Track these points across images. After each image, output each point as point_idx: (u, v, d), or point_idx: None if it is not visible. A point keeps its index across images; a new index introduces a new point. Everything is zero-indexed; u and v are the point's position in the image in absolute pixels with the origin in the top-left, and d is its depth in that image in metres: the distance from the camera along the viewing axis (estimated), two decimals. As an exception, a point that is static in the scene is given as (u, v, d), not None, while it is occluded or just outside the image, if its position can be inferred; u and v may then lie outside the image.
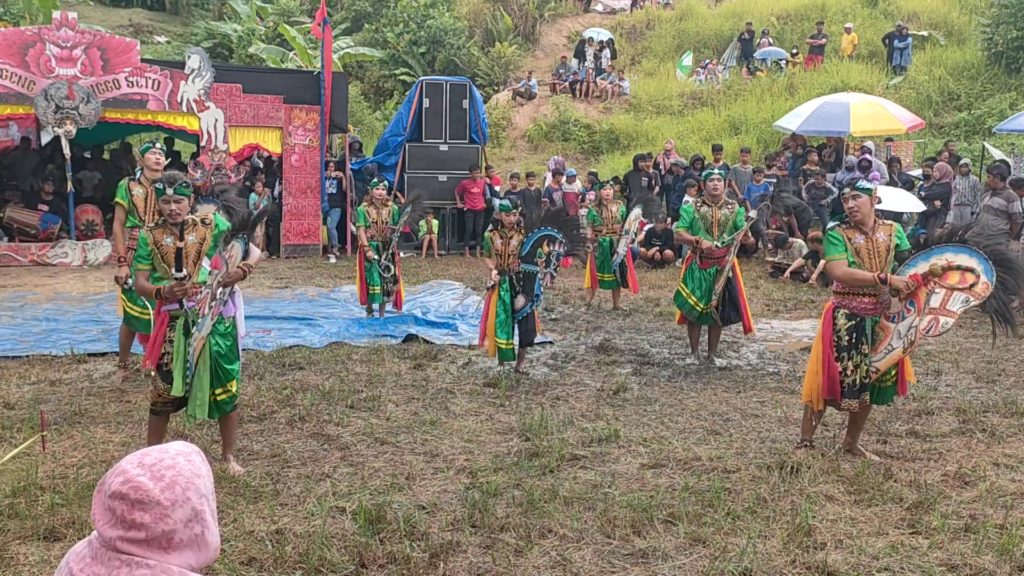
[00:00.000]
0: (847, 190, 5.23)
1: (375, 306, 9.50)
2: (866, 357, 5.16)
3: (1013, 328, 5.00)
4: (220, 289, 4.76)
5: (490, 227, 7.66)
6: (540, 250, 7.35)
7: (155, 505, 1.64)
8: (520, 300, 7.27)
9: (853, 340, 5.16)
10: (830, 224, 5.34)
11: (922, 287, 4.99)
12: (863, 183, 5.27)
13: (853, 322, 5.17)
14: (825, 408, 5.41)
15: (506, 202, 7.58)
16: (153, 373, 4.88)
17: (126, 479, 1.66)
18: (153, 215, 6.58)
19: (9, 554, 3.86)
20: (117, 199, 6.68)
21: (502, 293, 7.27)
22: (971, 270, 4.90)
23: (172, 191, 4.72)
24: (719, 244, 7.52)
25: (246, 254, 4.84)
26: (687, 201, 14.33)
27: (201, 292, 4.74)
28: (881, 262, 5.14)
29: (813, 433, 5.52)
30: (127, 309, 6.74)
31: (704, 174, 7.84)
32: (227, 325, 4.89)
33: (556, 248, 7.39)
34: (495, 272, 7.31)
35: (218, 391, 4.81)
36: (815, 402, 5.34)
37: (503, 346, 7.25)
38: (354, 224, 9.63)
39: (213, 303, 4.73)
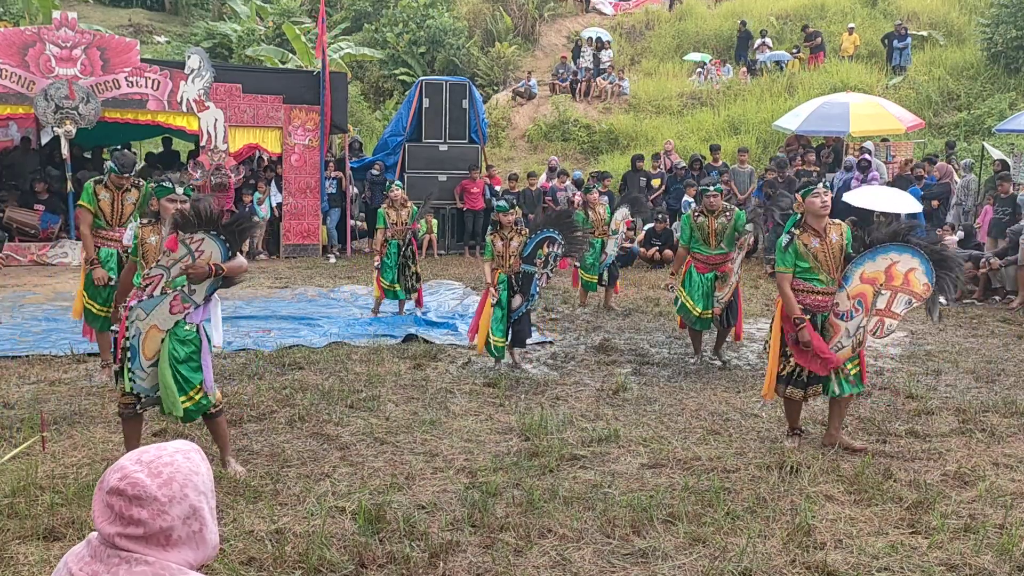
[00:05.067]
0: (820, 187, 5.43)
1: (386, 304, 9.66)
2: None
3: (938, 316, 5.46)
4: (187, 284, 4.63)
5: (490, 229, 7.71)
6: (540, 251, 7.41)
7: (152, 501, 1.65)
8: (517, 299, 7.35)
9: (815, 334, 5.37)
10: (786, 237, 5.40)
11: (872, 286, 5.24)
12: (825, 181, 5.53)
13: (808, 316, 5.37)
14: (807, 398, 5.53)
15: (503, 202, 7.65)
16: (116, 370, 4.85)
17: (123, 475, 1.67)
18: (121, 219, 6.55)
19: (9, 554, 3.86)
20: (82, 202, 6.53)
21: (500, 292, 7.32)
22: (913, 270, 5.19)
23: (182, 191, 4.83)
24: (713, 251, 7.53)
25: (228, 258, 4.67)
26: (686, 203, 14.36)
27: (155, 279, 4.64)
28: (836, 263, 5.37)
29: (798, 420, 5.64)
30: (88, 306, 6.69)
31: (701, 189, 7.83)
32: (189, 331, 4.71)
33: (554, 249, 7.45)
34: (493, 289, 7.37)
35: (181, 399, 4.66)
36: (769, 394, 5.60)
37: (496, 343, 7.30)
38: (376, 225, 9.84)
39: (173, 292, 4.61)
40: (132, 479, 1.66)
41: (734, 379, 7.31)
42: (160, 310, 4.63)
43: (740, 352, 8.34)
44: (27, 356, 7.41)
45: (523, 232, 7.42)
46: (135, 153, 16.58)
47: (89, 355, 7.49)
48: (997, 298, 11.40)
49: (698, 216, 7.69)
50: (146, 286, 4.64)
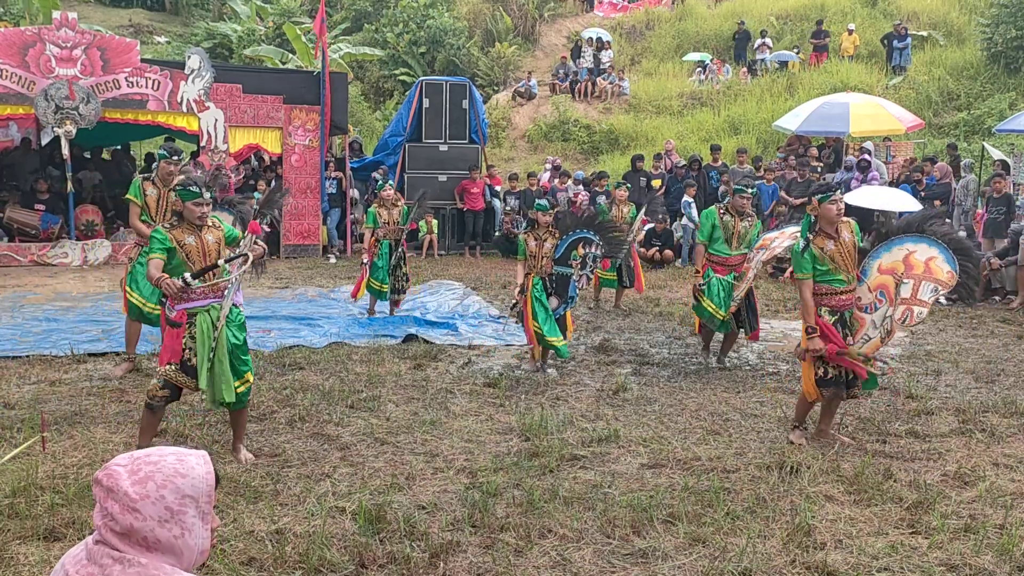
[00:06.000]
0: (837, 193, 5.42)
1: (382, 303, 9.61)
2: (852, 347, 5.41)
3: (974, 298, 5.65)
4: (245, 265, 4.97)
5: (524, 228, 7.69)
6: (575, 252, 7.30)
7: (122, 496, 1.65)
8: (553, 301, 7.26)
9: (840, 334, 5.40)
10: (802, 243, 5.41)
11: (893, 277, 5.30)
12: (839, 191, 5.51)
13: (836, 316, 5.44)
14: (851, 397, 5.61)
15: (543, 202, 7.60)
16: (170, 370, 4.90)
17: (107, 467, 1.69)
18: (165, 215, 6.64)
19: (9, 554, 3.86)
20: (130, 196, 6.76)
21: (537, 294, 7.25)
22: (932, 258, 5.24)
23: (208, 195, 4.95)
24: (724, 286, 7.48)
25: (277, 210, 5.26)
26: (686, 202, 14.37)
27: (230, 277, 4.96)
28: (852, 261, 5.43)
29: (805, 419, 5.69)
30: (134, 302, 6.79)
31: (736, 188, 7.58)
32: (240, 314, 5.08)
33: (592, 250, 7.33)
34: (517, 291, 7.39)
35: (236, 383, 4.97)
36: (811, 394, 5.57)
37: (558, 344, 7.21)
38: (364, 225, 9.78)
39: (239, 273, 4.90)
40: (110, 471, 1.68)
41: (734, 379, 7.31)
42: (228, 300, 4.92)
43: (740, 353, 8.34)
44: (27, 356, 7.40)
45: (556, 234, 7.31)
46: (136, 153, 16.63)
47: (89, 355, 7.50)
48: (997, 298, 11.40)
49: (724, 215, 7.52)
50: (231, 273, 4.97)
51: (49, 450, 5.12)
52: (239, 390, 4.99)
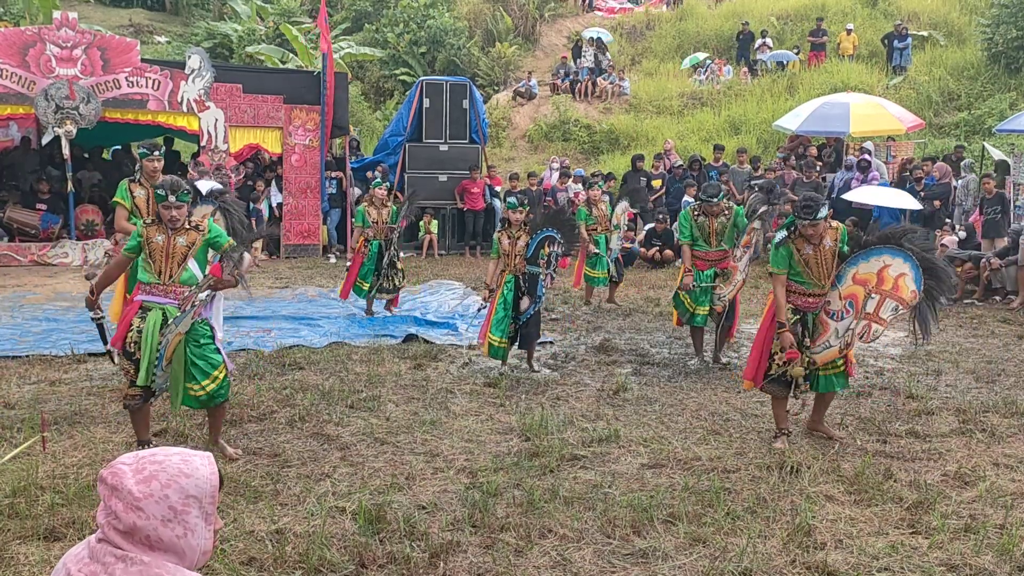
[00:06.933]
0: (806, 222, 5.25)
1: (379, 303, 9.60)
2: (807, 349, 5.42)
3: (928, 336, 5.35)
4: (207, 291, 4.97)
5: (499, 227, 7.69)
6: (542, 252, 7.36)
7: (126, 494, 1.65)
8: (525, 302, 7.27)
9: (798, 335, 5.43)
10: (780, 236, 5.40)
11: (864, 288, 5.25)
12: (822, 211, 5.26)
13: (797, 316, 5.46)
14: (792, 396, 5.55)
15: (513, 199, 7.58)
16: (117, 356, 5.05)
17: (112, 465, 1.70)
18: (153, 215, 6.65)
19: (9, 554, 3.86)
20: (117, 199, 6.74)
21: (505, 292, 7.28)
22: (903, 275, 5.15)
23: (174, 198, 4.91)
24: (708, 275, 7.55)
25: (239, 262, 5.05)
26: (686, 203, 14.36)
27: (185, 292, 4.97)
28: (828, 268, 5.40)
29: (787, 422, 5.65)
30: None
31: (704, 199, 7.58)
32: (203, 325, 5.07)
33: (555, 249, 7.40)
34: (486, 292, 7.41)
35: (201, 384, 4.98)
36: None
37: (495, 343, 7.27)
38: (354, 223, 9.78)
39: (196, 303, 4.92)
40: (114, 469, 1.68)
41: (734, 379, 7.30)
42: (187, 320, 4.92)
43: (740, 352, 8.34)
44: (27, 356, 7.41)
45: (529, 232, 7.35)
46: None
47: (90, 355, 7.49)
48: (997, 298, 11.40)
49: (698, 216, 7.67)
50: (180, 303, 4.95)
51: (49, 450, 5.13)
52: (208, 389, 4.98)
